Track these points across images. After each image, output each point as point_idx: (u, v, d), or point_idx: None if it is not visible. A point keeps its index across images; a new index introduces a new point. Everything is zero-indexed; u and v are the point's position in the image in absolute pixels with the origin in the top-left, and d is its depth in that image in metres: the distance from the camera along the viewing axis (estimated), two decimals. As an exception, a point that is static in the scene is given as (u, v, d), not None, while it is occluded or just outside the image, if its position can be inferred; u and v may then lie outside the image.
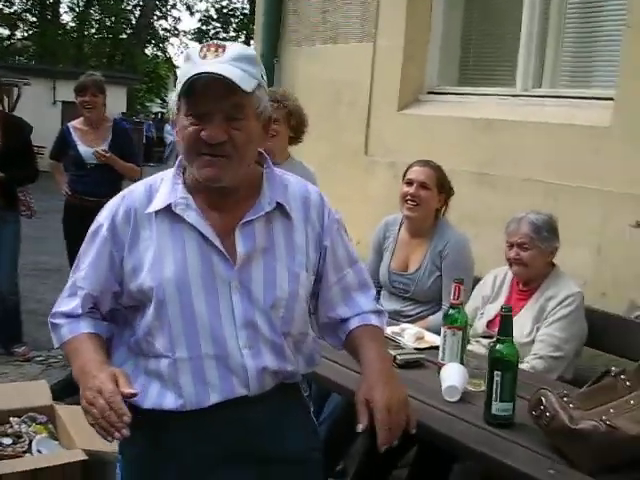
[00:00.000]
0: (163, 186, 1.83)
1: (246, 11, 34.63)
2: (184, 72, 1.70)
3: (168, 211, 1.78)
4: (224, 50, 1.70)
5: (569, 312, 3.09)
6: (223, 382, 1.76)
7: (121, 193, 1.91)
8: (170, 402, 1.78)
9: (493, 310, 3.27)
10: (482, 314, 3.33)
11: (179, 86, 1.71)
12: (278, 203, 1.82)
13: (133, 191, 1.87)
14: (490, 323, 3.25)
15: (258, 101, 1.74)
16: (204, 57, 1.69)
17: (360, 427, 1.72)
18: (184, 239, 1.77)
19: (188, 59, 1.73)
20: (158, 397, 1.79)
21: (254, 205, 1.80)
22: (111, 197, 5.35)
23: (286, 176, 1.93)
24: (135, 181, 5.24)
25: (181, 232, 1.77)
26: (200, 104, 1.69)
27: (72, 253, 5.26)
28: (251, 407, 1.80)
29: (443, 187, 3.62)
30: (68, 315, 1.88)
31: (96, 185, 5.07)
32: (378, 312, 2.01)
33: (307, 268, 1.86)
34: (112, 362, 1.82)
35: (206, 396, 1.76)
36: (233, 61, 1.68)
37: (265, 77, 1.79)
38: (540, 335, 3.09)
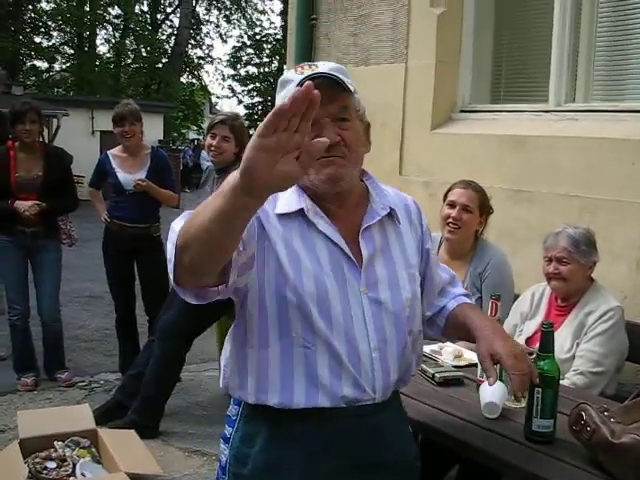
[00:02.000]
0: (286, 194, 1.77)
1: (278, 36, 34.98)
2: (287, 92, 1.71)
3: (297, 216, 1.80)
4: (317, 66, 1.78)
5: (609, 327, 3.07)
6: (356, 382, 1.77)
7: None
8: (301, 397, 1.75)
9: (532, 327, 3.26)
10: (521, 331, 3.31)
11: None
12: (391, 208, 1.90)
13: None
14: (529, 340, 3.23)
15: (358, 103, 1.82)
16: (302, 73, 1.76)
17: (491, 380, 1.83)
18: (314, 244, 1.79)
19: (286, 81, 1.80)
20: (289, 392, 1.76)
21: (367, 212, 1.87)
22: (150, 223, 5.45)
23: (385, 187, 1.99)
24: (176, 208, 5.28)
25: (311, 237, 1.80)
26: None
27: (112, 278, 5.36)
28: (377, 415, 1.83)
29: (484, 208, 3.63)
30: None
31: (135, 211, 5.17)
32: (467, 295, 2.19)
33: (419, 269, 1.98)
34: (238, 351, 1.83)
35: (339, 389, 1.75)
36: (330, 70, 1.76)
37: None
38: (580, 351, 3.07)
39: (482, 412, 2.45)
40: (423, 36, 4.96)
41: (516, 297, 3.52)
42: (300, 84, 1.52)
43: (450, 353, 3.07)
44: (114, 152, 5.34)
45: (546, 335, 2.26)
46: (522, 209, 4.25)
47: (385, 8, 5.25)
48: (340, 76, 1.74)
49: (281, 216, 1.79)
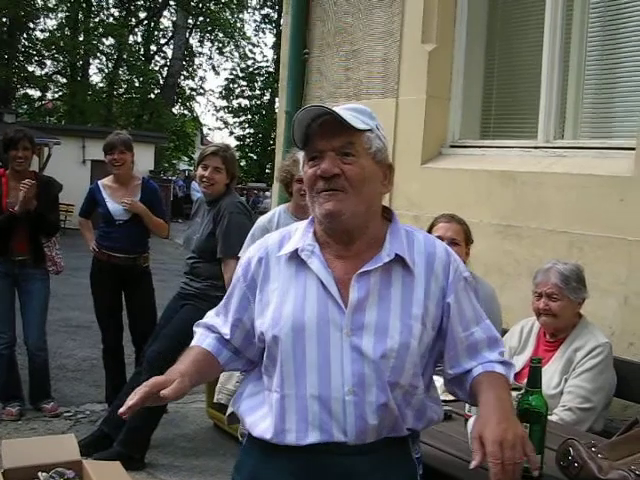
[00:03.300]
0: (296, 234, 1.95)
1: (270, 69, 35.26)
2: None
3: (295, 256, 1.90)
4: (337, 104, 1.88)
5: (597, 363, 3.07)
6: (323, 425, 1.81)
7: (259, 241, 2.06)
8: (272, 434, 1.86)
9: (520, 362, 3.26)
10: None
11: (298, 136, 1.87)
12: (397, 255, 1.86)
13: (269, 238, 2.03)
14: (517, 375, 3.22)
15: (369, 141, 1.84)
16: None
17: (472, 464, 1.72)
18: (306, 284, 1.87)
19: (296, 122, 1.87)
20: (265, 431, 1.88)
21: (374, 257, 1.86)
22: (139, 254, 5.41)
23: (417, 233, 1.97)
24: (166, 238, 5.25)
25: (304, 276, 1.87)
26: (315, 144, 1.84)
27: (99, 308, 5.33)
28: (350, 456, 1.82)
29: (469, 240, 3.64)
30: (205, 326, 2.08)
31: (124, 242, 5.16)
32: (504, 362, 1.98)
33: (424, 322, 1.86)
34: (251, 388, 1.99)
35: (305, 435, 1.82)
36: (346, 109, 1.84)
37: (381, 130, 1.89)
38: (568, 387, 3.07)
39: (470, 447, 2.44)
40: (414, 71, 5.02)
41: (504, 332, 3.52)
42: (304, 124, 1.82)
43: (438, 387, 3.06)
44: (105, 182, 5.35)
45: (534, 371, 2.26)
46: (511, 244, 4.28)
47: (377, 44, 5.33)
48: (347, 114, 1.80)
49: (285, 258, 1.91)
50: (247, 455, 1.98)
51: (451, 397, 2.97)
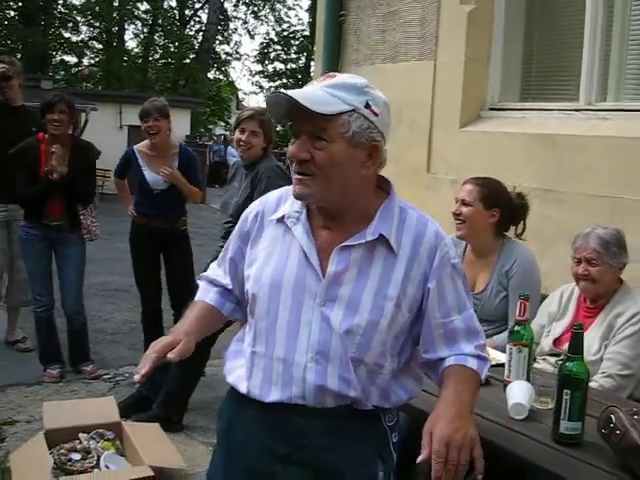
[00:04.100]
0: (290, 197, 1.95)
1: (306, 33, 34.97)
2: None
3: (283, 220, 1.94)
4: (332, 78, 1.83)
5: (638, 329, 3.02)
6: (283, 386, 1.86)
7: (259, 199, 2.09)
8: (243, 387, 1.94)
9: (560, 328, 3.22)
10: (549, 332, 3.27)
11: (277, 118, 1.90)
12: (381, 235, 1.85)
13: (269, 195, 2.06)
14: (557, 341, 3.19)
15: (346, 124, 1.78)
16: (312, 83, 1.88)
17: (419, 458, 1.72)
18: (290, 248, 1.90)
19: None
20: (238, 379, 1.96)
21: (359, 232, 1.85)
22: (176, 219, 5.44)
23: (411, 212, 1.94)
24: (202, 203, 5.26)
25: (289, 241, 1.91)
26: (293, 123, 1.84)
27: (139, 271, 5.37)
28: (309, 417, 1.85)
29: (493, 202, 3.53)
30: (208, 280, 2.15)
31: (162, 208, 5.18)
32: (479, 357, 1.95)
33: (399, 303, 1.85)
34: (240, 336, 2.06)
35: (267, 393, 1.88)
36: (328, 87, 1.80)
37: (374, 106, 1.82)
38: (608, 353, 3.02)
39: (509, 413, 2.43)
40: (452, 33, 4.93)
41: (543, 297, 3.48)
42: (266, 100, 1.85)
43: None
44: (140, 147, 5.33)
45: (576, 337, 2.23)
46: (551, 209, 4.21)
47: (414, 5, 5.23)
48: (321, 96, 1.77)
49: (277, 220, 1.96)
50: (227, 402, 2.07)
51: (495, 362, 2.98)
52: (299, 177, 1.82)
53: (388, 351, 1.87)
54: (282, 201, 1.98)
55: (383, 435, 1.96)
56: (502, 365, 2.77)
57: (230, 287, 2.09)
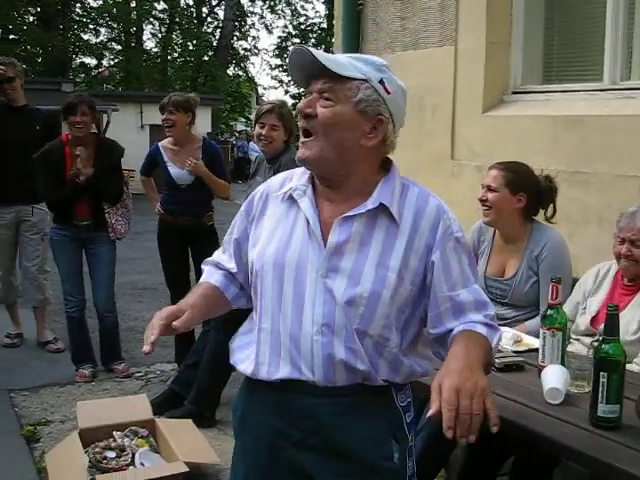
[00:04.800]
0: (296, 176, 2.01)
1: (324, 25, 34.88)
2: None
3: (289, 195, 1.97)
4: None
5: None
6: (292, 360, 1.86)
7: (265, 182, 2.12)
8: (251, 368, 1.95)
9: (595, 304, 3.17)
10: (584, 309, 3.22)
11: (297, 78, 1.96)
12: (382, 204, 1.86)
13: (274, 178, 2.10)
14: (594, 320, 3.14)
15: (355, 90, 1.84)
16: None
17: (429, 413, 1.67)
18: (295, 222, 1.93)
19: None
20: (247, 363, 1.97)
21: (361, 204, 1.87)
22: (203, 215, 5.47)
23: (413, 187, 1.96)
24: (226, 199, 5.26)
25: (294, 215, 1.94)
26: (309, 84, 1.89)
27: (168, 268, 5.38)
28: (319, 397, 1.86)
29: (519, 187, 3.49)
30: (213, 264, 2.18)
31: (188, 204, 5.20)
32: (489, 325, 1.92)
33: (402, 275, 1.85)
34: (245, 326, 2.08)
35: (276, 369, 1.89)
36: (350, 57, 1.89)
37: (387, 84, 1.88)
38: None
39: (544, 398, 2.40)
40: (472, 17, 4.88)
41: (574, 280, 3.44)
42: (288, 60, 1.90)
43: (509, 339, 3.02)
44: (164, 144, 5.35)
45: (611, 318, 2.20)
46: (578, 191, 4.15)
47: (433, -10, 5.18)
48: (340, 59, 1.85)
49: (279, 196, 1.99)
50: (240, 395, 2.09)
51: (523, 347, 2.96)
52: (303, 140, 1.88)
53: (393, 324, 1.87)
54: (287, 181, 2.02)
55: (396, 415, 1.95)
56: (536, 350, 2.75)
57: (234, 271, 2.11)
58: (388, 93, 1.87)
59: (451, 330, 1.91)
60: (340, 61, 1.84)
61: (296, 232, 1.91)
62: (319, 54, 1.82)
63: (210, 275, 2.15)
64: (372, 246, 1.86)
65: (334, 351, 1.83)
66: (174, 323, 1.87)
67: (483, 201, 3.51)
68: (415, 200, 1.92)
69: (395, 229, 1.87)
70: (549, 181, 3.57)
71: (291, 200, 1.95)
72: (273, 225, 1.96)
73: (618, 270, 3.18)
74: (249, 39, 36.72)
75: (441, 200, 1.96)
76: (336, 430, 1.88)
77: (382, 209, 1.87)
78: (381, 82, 1.86)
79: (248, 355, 1.98)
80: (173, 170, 5.21)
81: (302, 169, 2.00)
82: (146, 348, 1.83)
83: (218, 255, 2.18)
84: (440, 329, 1.93)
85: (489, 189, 3.49)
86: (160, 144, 5.38)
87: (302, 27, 36.74)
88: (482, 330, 1.89)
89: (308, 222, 1.89)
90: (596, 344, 2.25)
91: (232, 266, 2.11)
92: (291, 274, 1.87)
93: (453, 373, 1.70)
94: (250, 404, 2.01)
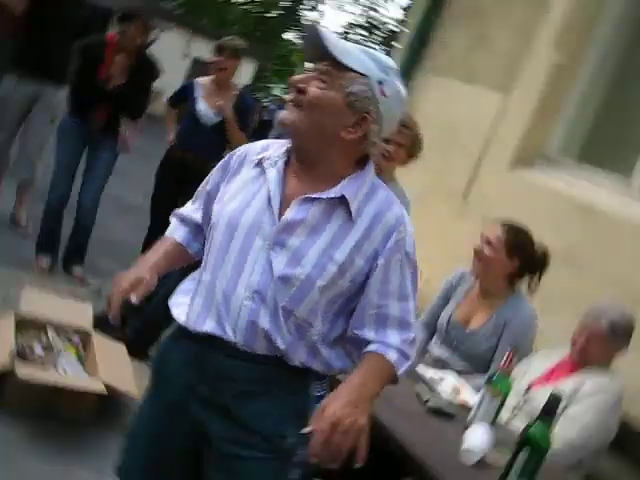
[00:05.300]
0: (275, 146, 2.02)
1: (393, 28, 34.65)
2: None
3: (261, 162, 1.99)
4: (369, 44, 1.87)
5: (602, 402, 3.02)
6: (220, 317, 1.90)
7: (249, 144, 2.14)
8: (182, 316, 2.00)
9: (537, 371, 3.24)
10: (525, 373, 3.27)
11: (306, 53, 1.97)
12: (343, 197, 1.87)
13: (257, 143, 2.10)
14: (533, 382, 3.19)
15: (350, 82, 1.85)
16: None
17: (304, 429, 1.76)
18: (259, 189, 1.95)
19: None
20: (180, 309, 2.02)
21: (325, 190, 1.88)
22: (211, 161, 5.46)
23: (382, 190, 1.96)
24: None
25: (260, 183, 1.96)
26: (310, 57, 1.93)
27: (156, 198, 5.37)
28: (236, 360, 1.89)
29: (516, 251, 3.49)
30: (180, 217, 2.25)
31: (202, 145, 5.17)
32: (402, 352, 1.93)
33: (343, 270, 1.87)
34: (193, 275, 2.08)
35: (203, 321, 1.93)
36: (361, 49, 1.89)
37: (386, 86, 1.88)
38: (567, 415, 3.01)
39: (459, 455, 2.42)
40: (533, 76, 4.87)
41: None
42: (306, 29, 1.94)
43: (450, 385, 3.04)
44: (202, 81, 5.33)
45: (550, 403, 2.22)
46: (568, 273, 4.16)
47: (507, 36, 5.17)
48: (349, 48, 1.86)
49: (253, 161, 2.01)
50: (166, 339, 2.14)
51: (459, 400, 2.97)
52: (290, 103, 1.90)
53: (320, 312, 1.89)
54: (268, 148, 2.03)
55: (306, 401, 1.95)
56: (469, 409, 2.77)
57: (199, 222, 2.17)
58: (384, 95, 1.87)
59: (368, 342, 1.92)
60: (347, 49, 1.86)
61: (257, 198, 1.93)
62: (329, 37, 1.83)
63: (175, 230, 2.22)
64: (323, 234, 1.87)
65: (259, 320, 1.86)
66: (131, 297, 1.97)
67: (477, 252, 3.51)
68: (378, 203, 1.92)
69: (350, 225, 1.88)
70: (544, 255, 3.58)
71: (262, 167, 1.97)
72: (240, 186, 1.99)
73: (569, 356, 3.22)
74: (317, 12, 36.43)
75: (405, 211, 1.96)
76: (244, 396, 1.91)
77: (342, 202, 1.88)
78: (380, 83, 1.86)
79: (183, 302, 2.02)
80: (201, 106, 5.19)
81: (284, 141, 2.02)
82: (110, 317, 2.00)
83: (188, 206, 2.24)
84: (359, 332, 1.94)
85: (488, 243, 3.49)
86: (198, 80, 5.34)
87: (371, 22, 36.51)
88: (392, 357, 1.90)
89: (269, 193, 1.91)
90: (528, 422, 2.27)
91: (198, 217, 2.17)
92: (240, 236, 1.90)
93: (339, 402, 1.76)
94: (171, 350, 2.06)
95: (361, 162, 1.96)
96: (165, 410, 2.01)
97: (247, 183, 1.98)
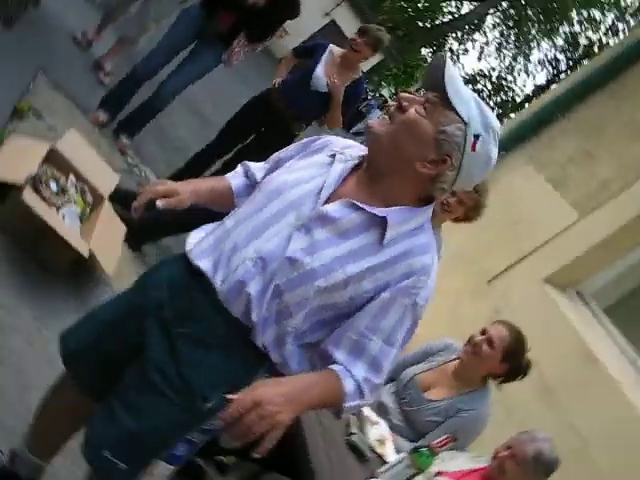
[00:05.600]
0: (355, 148, 2.02)
1: (517, 98, 33.95)
2: None
3: (334, 155, 1.99)
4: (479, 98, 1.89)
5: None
6: (218, 262, 1.91)
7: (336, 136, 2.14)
8: (190, 245, 2.02)
9: (456, 466, 3.21)
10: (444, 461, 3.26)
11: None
12: (385, 219, 1.84)
13: (343, 139, 2.10)
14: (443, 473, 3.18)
15: (448, 122, 1.82)
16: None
17: (229, 396, 1.70)
18: (319, 176, 1.94)
19: None
20: (192, 239, 2.04)
21: (375, 205, 1.87)
22: (299, 121, 5.34)
23: (426, 235, 1.91)
24: (329, 129, 4.99)
25: (324, 171, 1.95)
26: (426, 83, 1.92)
27: (231, 125, 5.28)
28: (210, 307, 1.90)
29: (509, 358, 3.47)
30: (246, 168, 2.26)
31: (300, 104, 5.11)
32: (359, 389, 1.86)
33: (347, 284, 1.84)
34: None
35: (201, 258, 1.94)
36: (471, 94, 1.86)
37: (480, 145, 1.84)
38: None
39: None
40: (613, 214, 4.86)
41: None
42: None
43: (379, 433, 3.04)
44: (334, 49, 5.20)
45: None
46: (541, 403, 4.15)
47: (611, 166, 5.20)
48: (453, 82, 1.82)
49: (330, 152, 2.00)
50: (169, 257, 2.15)
51: (379, 450, 2.98)
52: (386, 115, 1.90)
53: (307, 309, 1.85)
54: (349, 147, 2.03)
55: (244, 380, 1.86)
56: (385, 462, 2.78)
57: (258, 182, 2.14)
58: (473, 150, 1.83)
59: (334, 361, 1.87)
60: (461, 91, 1.84)
61: (311, 182, 1.92)
62: (450, 72, 1.82)
63: (235, 177, 2.23)
64: (348, 242, 1.85)
65: (249, 283, 1.85)
66: (157, 202, 1.97)
67: (474, 344, 3.49)
68: (415, 244, 1.87)
69: (378, 248, 1.84)
70: (527, 366, 3.57)
71: (333, 159, 1.97)
72: (305, 166, 2.00)
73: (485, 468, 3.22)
74: (468, 46, 35.71)
75: (436, 264, 1.91)
76: (197, 343, 1.90)
77: (382, 224, 1.84)
78: (476, 136, 1.83)
79: (198, 235, 2.05)
80: (319, 71, 5.05)
81: (364, 147, 2.01)
82: (134, 205, 1.99)
83: (258, 164, 2.24)
84: (331, 349, 1.88)
85: (489, 341, 3.46)
86: (332, 46, 5.28)
87: (501, 82, 35.79)
88: (349, 387, 1.84)
89: (324, 183, 1.91)
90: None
91: (260, 176, 2.17)
92: (278, 205, 1.91)
93: (275, 389, 1.73)
94: (167, 265, 2.08)
95: (424, 200, 1.92)
96: (129, 308, 2.04)
97: (313, 166, 1.98)
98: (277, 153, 2.19)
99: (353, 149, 2.01)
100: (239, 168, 2.27)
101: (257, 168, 2.21)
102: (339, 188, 1.91)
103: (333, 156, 1.98)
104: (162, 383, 1.89)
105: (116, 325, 2.04)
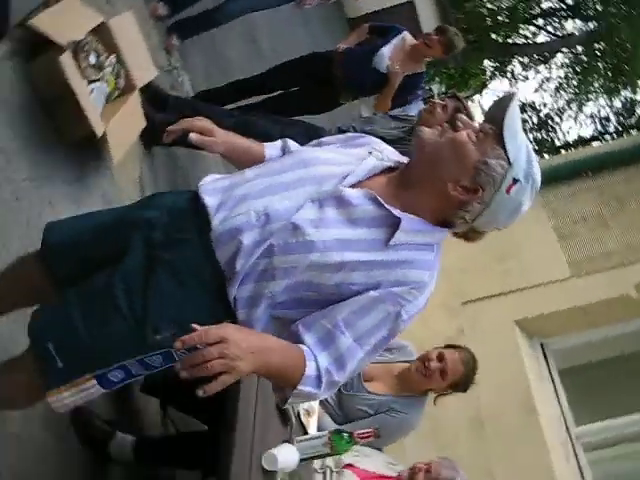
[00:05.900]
0: (394, 151, 2.09)
1: (569, 139, 32.74)
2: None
3: (370, 152, 2.03)
4: (532, 151, 1.90)
5: None
6: (222, 204, 1.93)
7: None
8: (204, 181, 2.05)
9: (368, 464, 3.24)
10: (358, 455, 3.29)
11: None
12: (399, 222, 1.85)
13: (384, 144, 2.11)
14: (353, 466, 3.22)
15: (494, 156, 1.85)
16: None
17: (194, 325, 1.63)
18: (350, 163, 1.96)
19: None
20: (209, 177, 2.08)
21: (395, 209, 1.87)
22: (350, 91, 5.27)
23: (433, 253, 1.91)
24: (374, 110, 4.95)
25: (356, 161, 1.98)
26: (487, 114, 1.97)
27: (283, 68, 5.22)
28: (200, 238, 1.91)
29: (456, 387, 3.57)
30: (285, 143, 2.24)
31: (356, 76, 5.05)
32: (318, 377, 1.82)
33: (339, 267, 1.83)
34: None
35: (210, 197, 1.95)
36: (526, 142, 1.89)
37: (516, 190, 1.86)
38: None
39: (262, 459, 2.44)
40: (607, 287, 4.89)
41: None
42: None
43: (310, 405, 3.06)
44: (407, 37, 5.11)
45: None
46: (469, 435, 4.19)
47: (620, 241, 5.29)
48: (511, 122, 1.84)
49: (369, 149, 2.04)
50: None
51: (304, 420, 3.01)
52: (439, 126, 1.93)
53: (289, 279, 1.84)
54: (390, 150, 2.07)
55: (207, 324, 1.77)
56: (305, 432, 2.82)
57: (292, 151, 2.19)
58: (507, 192, 1.85)
59: (302, 342, 1.83)
60: (516, 133, 1.86)
61: (341, 167, 1.94)
62: (513, 112, 1.84)
63: (272, 147, 2.23)
64: (355, 230, 1.85)
65: (244, 232, 1.85)
66: (191, 135, 2.04)
67: (426, 360, 3.53)
68: (419, 258, 1.87)
69: (380, 246, 1.85)
70: (471, 380, 3.60)
71: (368, 154, 2.00)
72: (342, 152, 2.05)
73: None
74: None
75: (432, 287, 1.90)
76: (174, 274, 1.89)
77: (394, 225, 1.85)
78: (515, 180, 1.84)
79: (215, 176, 2.09)
80: (385, 52, 4.92)
81: (404, 157, 2.06)
82: (169, 129, 2.07)
83: (296, 144, 2.25)
84: (301, 331, 1.85)
85: (439, 359, 3.52)
86: (406, 33, 5.18)
87: (546, 121, 35.23)
88: (309, 372, 1.80)
89: (354, 170, 1.93)
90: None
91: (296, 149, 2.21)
92: (302, 174, 1.93)
93: (244, 336, 1.67)
94: (173, 193, 2.17)
95: (441, 224, 1.93)
96: (122, 220, 2.05)
97: (348, 155, 2.01)
98: (320, 139, 2.22)
99: (390, 152, 2.06)
100: (278, 142, 2.25)
101: (296, 146, 2.22)
102: (365, 181, 1.94)
103: (370, 153, 2.01)
104: (123, 297, 1.88)
105: (106, 232, 2.03)
